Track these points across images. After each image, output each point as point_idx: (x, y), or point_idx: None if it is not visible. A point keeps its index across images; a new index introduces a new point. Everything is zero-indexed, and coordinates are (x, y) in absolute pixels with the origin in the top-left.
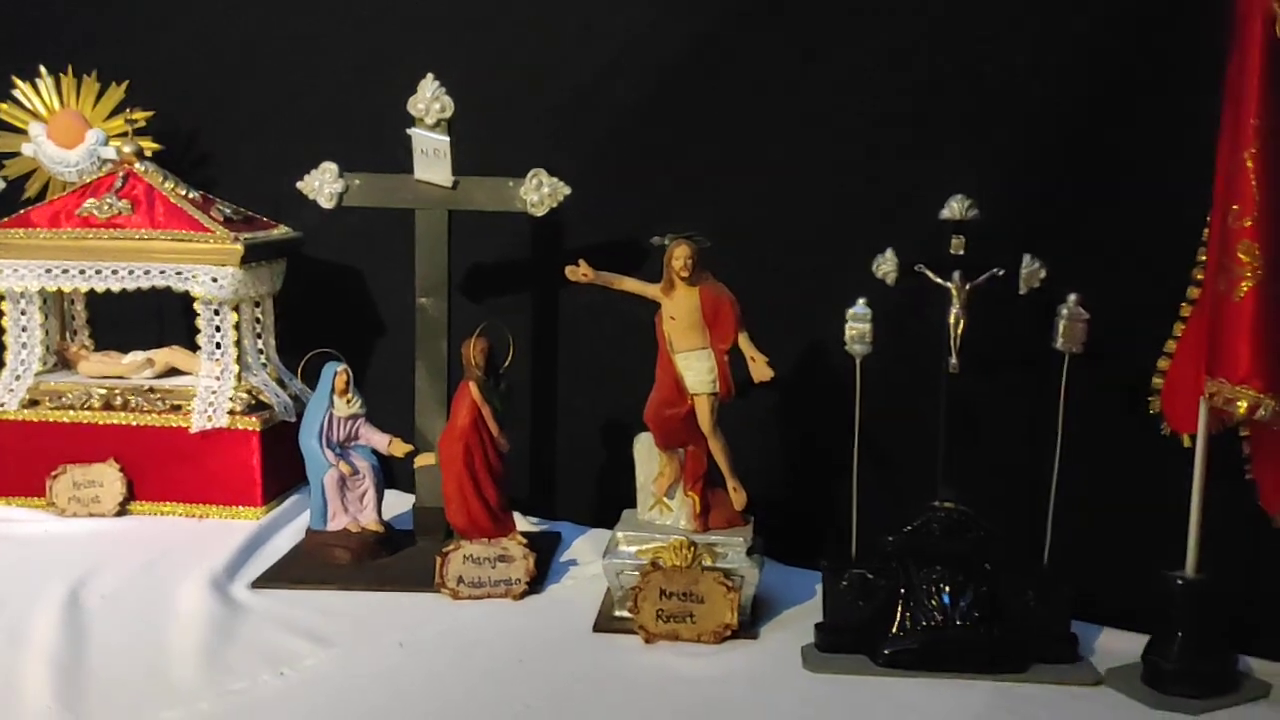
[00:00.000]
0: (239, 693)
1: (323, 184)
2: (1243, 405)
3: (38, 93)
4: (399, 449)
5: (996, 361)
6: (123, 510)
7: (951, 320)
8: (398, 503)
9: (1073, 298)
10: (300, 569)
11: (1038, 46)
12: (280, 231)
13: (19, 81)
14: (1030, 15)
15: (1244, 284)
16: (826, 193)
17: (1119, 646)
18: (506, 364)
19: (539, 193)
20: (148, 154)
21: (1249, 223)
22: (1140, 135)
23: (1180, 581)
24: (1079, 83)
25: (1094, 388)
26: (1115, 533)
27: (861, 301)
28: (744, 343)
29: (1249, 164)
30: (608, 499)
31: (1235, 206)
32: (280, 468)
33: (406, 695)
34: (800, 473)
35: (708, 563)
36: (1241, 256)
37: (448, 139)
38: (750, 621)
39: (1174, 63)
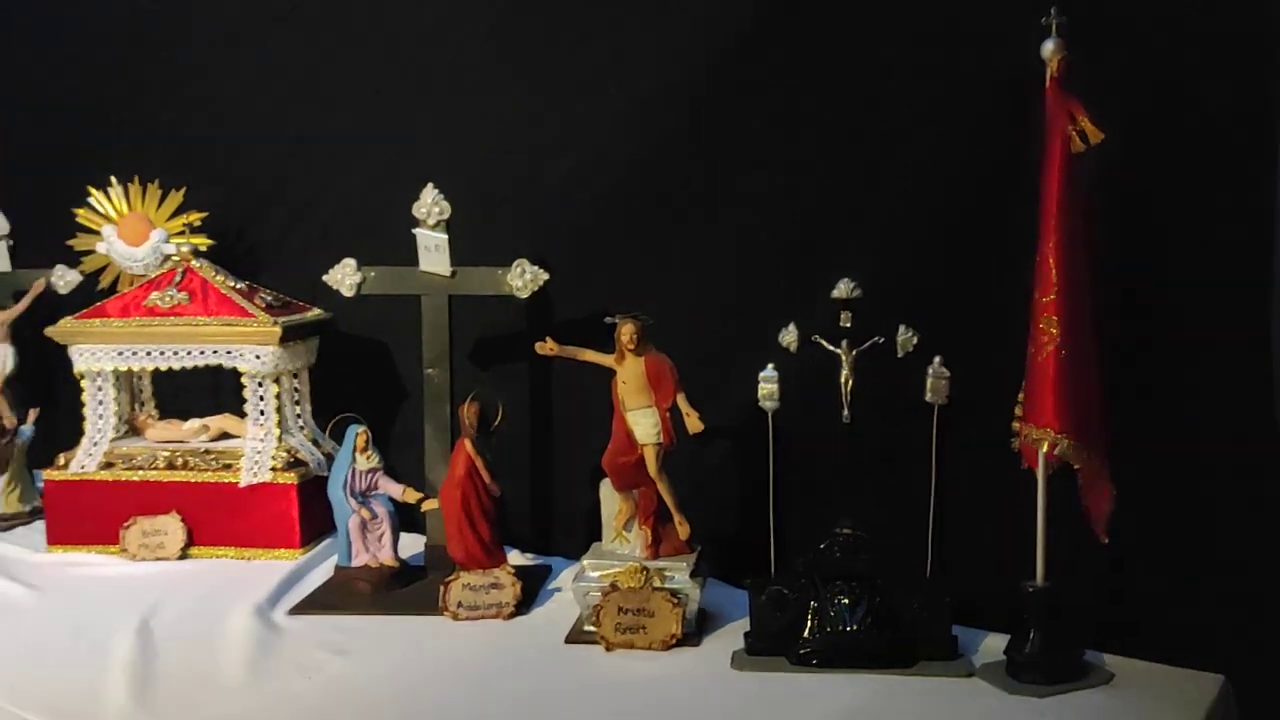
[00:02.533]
0: (274, 691)
1: (344, 276)
2: (1045, 444)
3: (109, 199)
4: (411, 496)
5: (881, 412)
6: (184, 554)
7: (842, 380)
8: (412, 543)
9: (937, 359)
10: (330, 598)
11: (910, 153)
12: (313, 314)
13: (94, 190)
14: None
15: (1047, 348)
16: (743, 275)
17: (994, 645)
18: (496, 423)
19: (522, 279)
20: (202, 249)
21: (1049, 299)
22: (993, 226)
23: (1031, 589)
24: (936, 184)
25: (962, 433)
26: (983, 550)
27: (770, 365)
28: (681, 401)
29: (1051, 252)
30: (595, 535)
31: (1041, 286)
32: (315, 515)
33: (409, 694)
34: (731, 507)
35: (657, 584)
36: (1043, 326)
37: (445, 236)
38: (695, 632)
39: (1024, 165)
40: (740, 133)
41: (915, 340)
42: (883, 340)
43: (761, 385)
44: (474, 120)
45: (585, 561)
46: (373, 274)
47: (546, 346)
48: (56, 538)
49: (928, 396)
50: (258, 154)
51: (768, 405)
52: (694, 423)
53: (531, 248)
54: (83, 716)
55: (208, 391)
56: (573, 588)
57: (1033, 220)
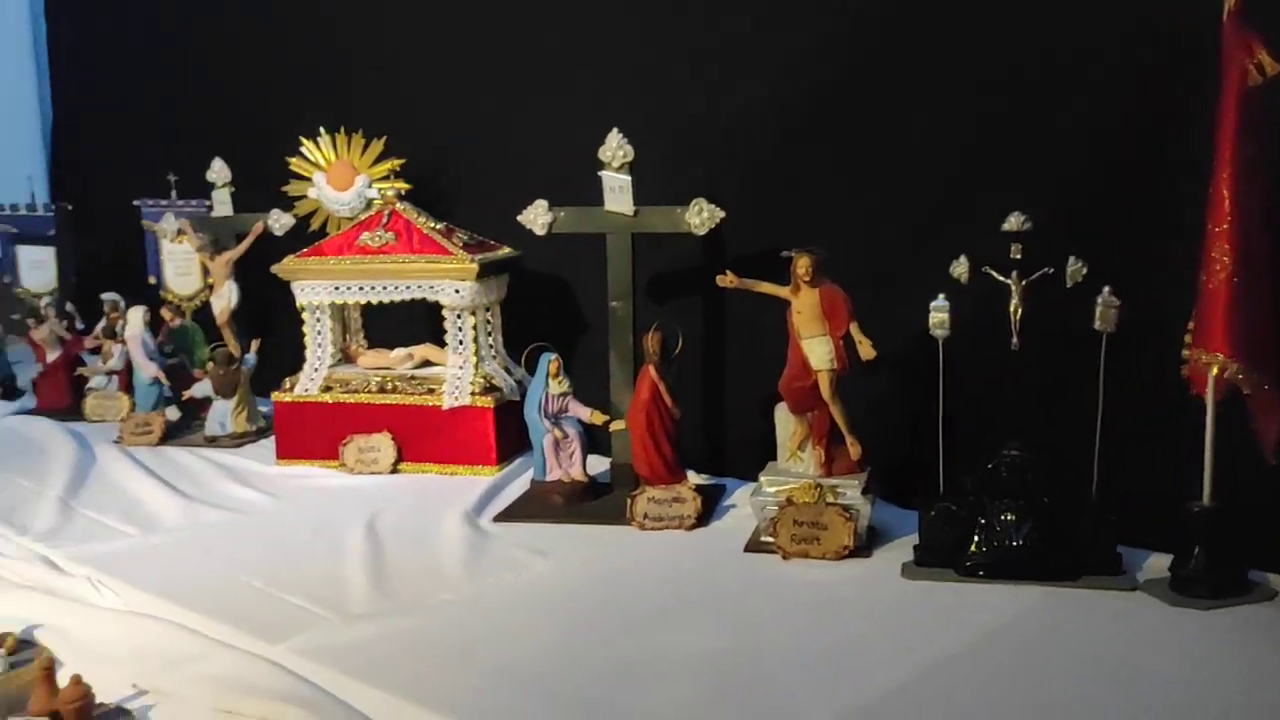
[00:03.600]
0: (489, 584)
1: (536, 216)
2: (1215, 369)
3: (319, 149)
4: (598, 418)
5: (1049, 340)
6: (394, 469)
7: (1011, 309)
8: (597, 462)
9: (1107, 289)
10: (528, 508)
11: (1081, 88)
12: (505, 251)
13: (305, 140)
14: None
15: (1219, 276)
16: (914, 208)
17: (1159, 564)
18: (677, 351)
19: (700, 217)
20: (402, 192)
21: (1222, 229)
22: (1163, 158)
23: (1196, 509)
24: (1114, 115)
25: (1129, 359)
26: (1149, 472)
27: (941, 295)
28: (854, 330)
29: (1224, 183)
30: (766, 456)
31: (1214, 216)
32: (509, 435)
33: (606, 590)
34: (900, 430)
35: (830, 500)
36: (1215, 255)
37: (629, 178)
38: (865, 545)
39: (1194, 98)
40: (911, 71)
41: (1084, 271)
42: (1052, 271)
43: (932, 314)
44: (653, 65)
45: (762, 479)
46: (562, 214)
47: (726, 279)
48: (285, 452)
49: (1096, 324)
50: (451, 103)
51: (938, 333)
52: (866, 350)
53: (707, 187)
54: (332, 598)
55: (411, 322)
56: (750, 502)
57: (1202, 153)
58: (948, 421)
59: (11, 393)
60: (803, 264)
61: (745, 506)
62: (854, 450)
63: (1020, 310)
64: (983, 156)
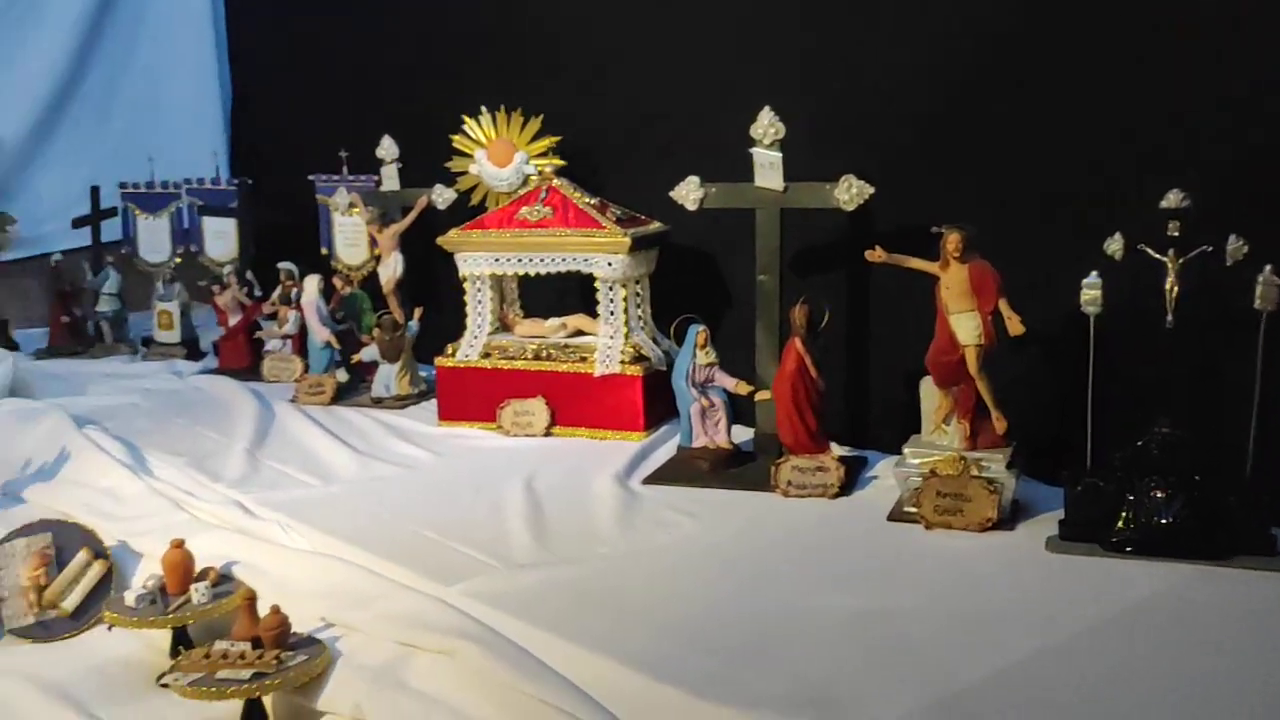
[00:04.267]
0: (641, 541)
1: (688, 191)
2: None
3: (480, 126)
4: (743, 389)
5: (1206, 318)
6: (547, 432)
7: (1167, 287)
8: (740, 432)
9: (1268, 268)
10: (675, 472)
11: (1245, 65)
12: (655, 226)
13: (468, 119)
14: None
15: None
16: (1067, 184)
17: None
18: (823, 325)
19: (849, 193)
20: (559, 169)
21: None
22: None
23: None
24: (1267, 94)
25: None
26: None
27: (1094, 273)
28: (1003, 305)
29: None
30: (907, 430)
31: None
32: (656, 403)
33: (754, 551)
34: (1047, 406)
35: (975, 472)
36: None
37: (780, 154)
38: (1009, 518)
39: None
40: (1063, 48)
41: (1246, 249)
42: (1211, 249)
43: (1085, 291)
44: (804, 41)
45: (906, 450)
46: (713, 190)
47: (875, 254)
48: (446, 414)
49: (1256, 303)
50: (606, 80)
51: (1090, 310)
52: (1015, 325)
53: (855, 163)
54: (496, 549)
55: (565, 293)
56: (894, 472)
57: None
58: (1096, 398)
59: (195, 354)
60: (953, 240)
61: (887, 478)
62: (999, 425)
63: (1176, 288)
64: (1140, 133)
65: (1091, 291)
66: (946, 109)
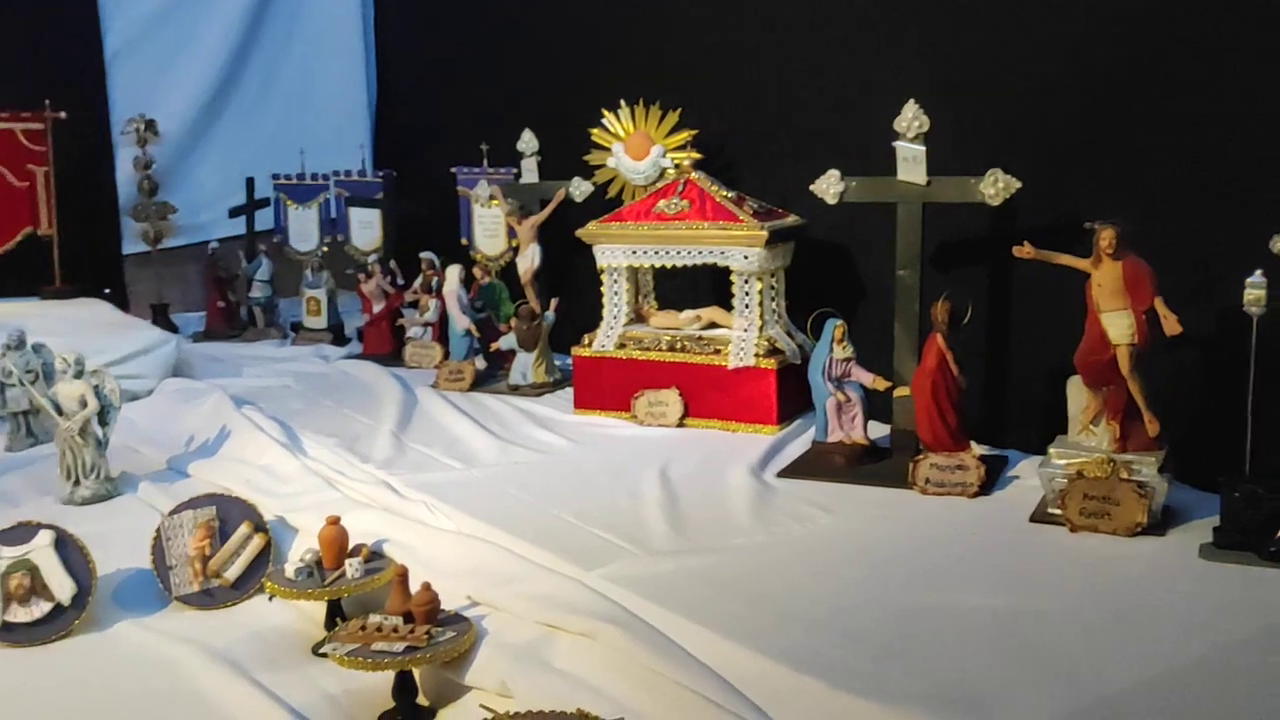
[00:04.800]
0: (777, 533)
1: (829, 185)
2: None
3: (619, 120)
4: (881, 384)
5: None
6: (681, 423)
7: None
8: (876, 428)
9: None
10: (810, 466)
11: None
12: (791, 220)
13: (607, 113)
14: None
15: None
16: (1229, 182)
17: None
18: (965, 321)
19: (995, 187)
20: (696, 162)
21: None
22: None
23: None
24: None
25: None
26: None
27: (1259, 272)
28: (1159, 304)
29: None
30: (1050, 430)
31: None
32: (790, 397)
33: (890, 546)
34: (1203, 410)
35: (1124, 475)
36: None
37: (923, 148)
38: (1160, 523)
39: None
40: (1223, 37)
41: None
42: None
43: (1248, 290)
44: (946, 34)
45: (1051, 451)
46: (854, 184)
47: (1023, 250)
48: (582, 402)
49: None
50: (744, 74)
51: (1253, 311)
52: (1172, 325)
53: (998, 157)
54: (634, 534)
55: (698, 286)
56: (1039, 472)
57: None
58: (1257, 402)
59: (340, 339)
60: (1107, 236)
61: (1030, 478)
62: (1151, 427)
63: None
64: None
65: (1255, 291)
66: (1099, 101)
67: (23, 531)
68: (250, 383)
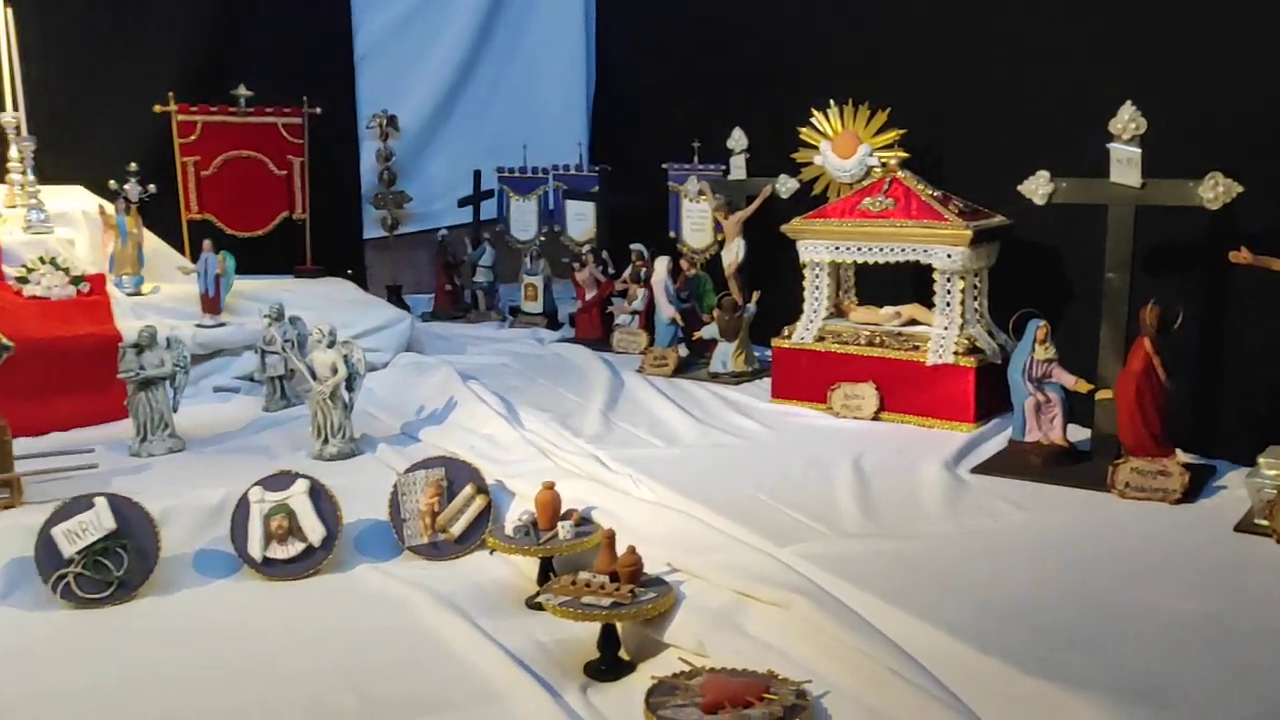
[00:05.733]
0: (968, 525)
1: (1037, 186)
2: None
3: (827, 119)
4: (1083, 386)
5: None
6: (876, 416)
7: None
8: (1076, 431)
9: None
10: (1006, 465)
11: None
12: (997, 220)
13: (816, 112)
14: None
15: None
16: None
17: None
18: (1175, 327)
19: (1214, 191)
20: (903, 161)
21: None
22: None
23: None
24: None
25: None
26: None
27: None
28: None
29: None
30: (1261, 439)
31: None
32: (987, 396)
33: (1080, 546)
34: None
35: None
36: None
37: (1138, 150)
38: None
39: None
40: None
41: None
42: None
43: None
44: (1160, 33)
45: (1262, 460)
46: (1064, 184)
47: (1241, 255)
48: (779, 392)
49: None
50: (952, 75)
51: None
52: None
53: (1215, 159)
54: (826, 516)
55: (898, 283)
56: (1246, 483)
57: None
58: None
59: (554, 324)
60: None
61: (1237, 489)
62: None
63: None
64: None
65: None
66: None
67: (283, 479)
68: (473, 360)
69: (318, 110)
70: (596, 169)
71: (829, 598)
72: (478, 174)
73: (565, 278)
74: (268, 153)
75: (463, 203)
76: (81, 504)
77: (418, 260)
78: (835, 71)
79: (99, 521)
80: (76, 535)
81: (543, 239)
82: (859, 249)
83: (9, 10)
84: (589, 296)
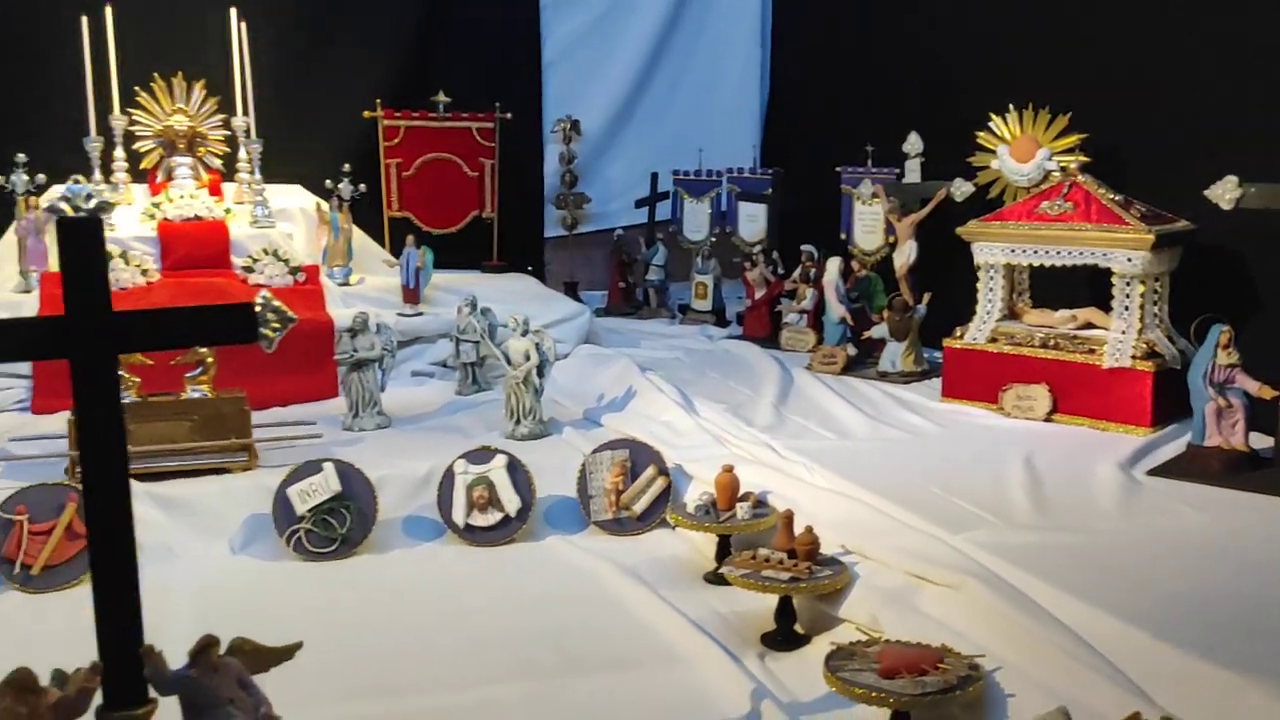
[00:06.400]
0: (1142, 523)
1: (1224, 191)
2: None
3: (1005, 124)
4: (1267, 393)
5: None
6: (1048, 418)
7: None
8: (1258, 438)
9: None
10: (1183, 468)
11: None
12: (1181, 224)
13: (994, 116)
14: None
15: None
16: None
17: None
18: None
19: None
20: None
21: None
22: None
23: None
24: None
25: None
26: None
27: None
28: None
29: None
30: None
31: None
32: (1165, 400)
33: (1263, 549)
34: None
35: None
36: None
37: None
38: None
39: None
40: None
41: None
42: None
43: None
44: None
45: None
46: (1252, 190)
47: None
48: (949, 391)
49: None
50: (1134, 79)
51: None
52: None
53: None
54: (997, 508)
55: (1074, 286)
56: None
57: None
58: None
59: (722, 321)
60: None
61: None
62: None
63: None
64: None
65: None
66: None
67: (484, 454)
68: (646, 353)
69: (508, 115)
70: (769, 172)
71: (1000, 581)
72: (655, 176)
73: (734, 277)
74: (462, 155)
75: (639, 204)
76: (312, 468)
77: (593, 258)
78: (1013, 75)
79: (327, 484)
80: (308, 495)
81: (714, 239)
82: (1036, 252)
83: (243, 25)
84: (758, 295)
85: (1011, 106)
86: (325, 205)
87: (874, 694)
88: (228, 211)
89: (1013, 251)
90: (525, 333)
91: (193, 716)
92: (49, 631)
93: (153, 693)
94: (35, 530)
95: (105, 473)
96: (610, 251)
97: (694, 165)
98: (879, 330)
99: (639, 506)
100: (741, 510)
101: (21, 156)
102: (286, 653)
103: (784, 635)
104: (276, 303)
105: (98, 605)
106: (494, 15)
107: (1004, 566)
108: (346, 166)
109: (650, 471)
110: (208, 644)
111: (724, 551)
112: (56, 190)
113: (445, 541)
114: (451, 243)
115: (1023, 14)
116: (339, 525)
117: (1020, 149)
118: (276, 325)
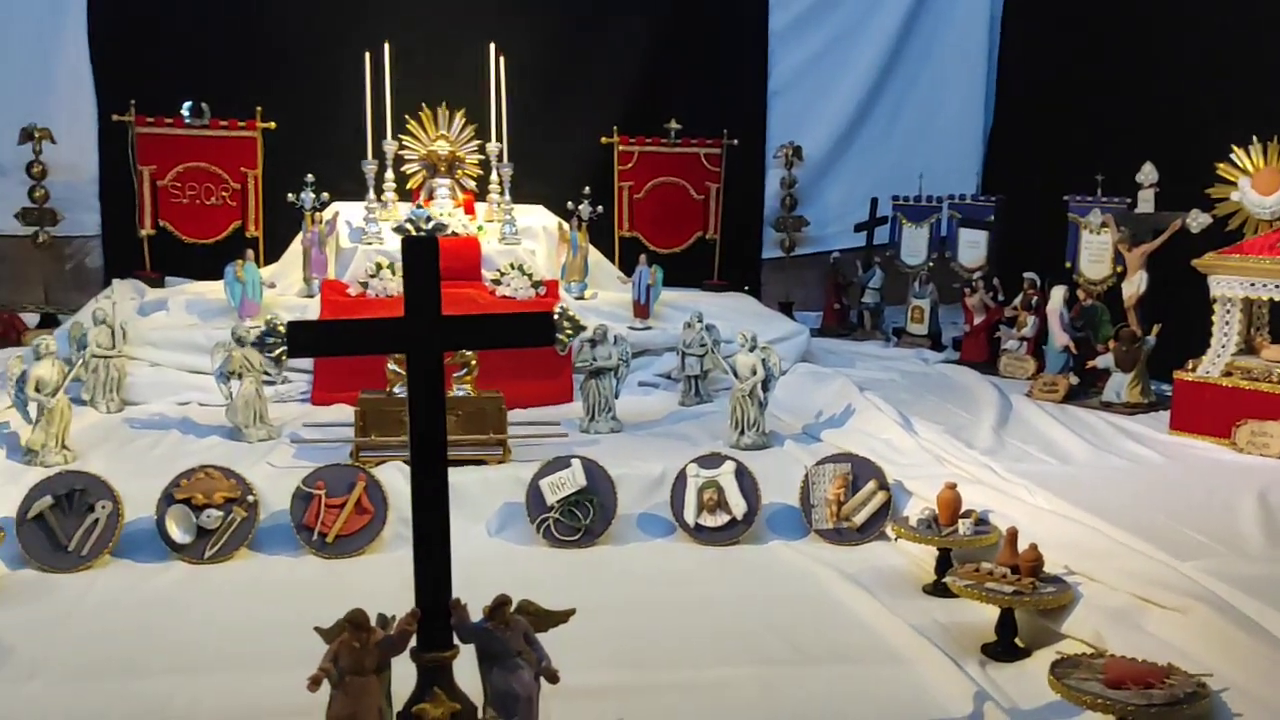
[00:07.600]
0: None
1: None
2: None
3: (1248, 155)
4: None
5: None
6: None
7: None
8: None
9: None
10: None
11: None
12: None
13: (1236, 148)
14: None
15: None
16: None
17: None
18: None
19: None
20: None
21: None
22: None
23: None
24: None
25: None
26: None
27: None
28: None
29: None
30: None
31: None
32: None
33: None
34: None
35: None
36: None
37: None
38: None
39: None
40: None
41: None
42: None
43: None
44: None
45: None
46: None
47: None
48: (1178, 424)
49: None
50: None
51: None
52: None
53: None
54: (1228, 539)
55: None
56: None
57: None
58: None
59: (938, 346)
60: None
61: None
62: None
63: None
64: None
65: None
66: None
67: (714, 459)
68: (863, 373)
69: (735, 141)
70: (992, 199)
71: (1230, 606)
72: (874, 201)
73: (950, 302)
74: (690, 179)
75: (858, 228)
76: (561, 463)
77: (807, 280)
78: (1255, 106)
79: (574, 478)
80: (557, 487)
81: (932, 264)
82: (1277, 286)
83: (501, 59)
84: (977, 321)
85: (1255, 138)
86: (565, 225)
87: (1100, 701)
88: (480, 229)
89: (1252, 285)
90: (753, 348)
91: (487, 665)
92: (346, 591)
93: (456, 640)
94: (331, 504)
95: (430, 447)
96: (826, 273)
97: (914, 191)
98: (1104, 360)
99: (859, 518)
100: (963, 526)
101: (310, 177)
102: (563, 617)
103: (1004, 647)
104: (571, 312)
105: (417, 561)
106: (726, 46)
107: (1234, 594)
108: (586, 189)
109: (871, 485)
110: (502, 602)
111: (944, 566)
112: (337, 206)
113: (676, 539)
114: (675, 262)
115: (1266, 43)
116: (583, 517)
117: (1263, 181)
118: (570, 331)
